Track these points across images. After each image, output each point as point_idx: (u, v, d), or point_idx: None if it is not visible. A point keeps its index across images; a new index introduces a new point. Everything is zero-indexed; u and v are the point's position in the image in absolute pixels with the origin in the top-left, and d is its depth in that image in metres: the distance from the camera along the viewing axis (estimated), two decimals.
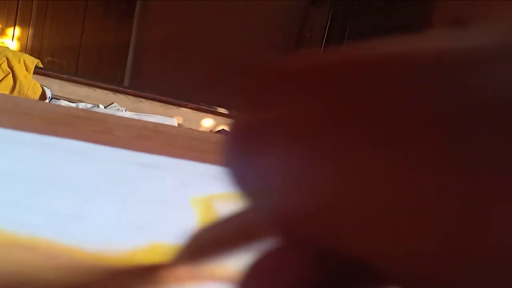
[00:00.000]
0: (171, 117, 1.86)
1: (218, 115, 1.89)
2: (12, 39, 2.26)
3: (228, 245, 0.14)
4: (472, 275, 0.07)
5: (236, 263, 0.15)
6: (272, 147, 0.08)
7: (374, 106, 0.07)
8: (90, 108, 1.77)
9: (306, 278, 0.09)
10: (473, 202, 0.06)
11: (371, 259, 0.07)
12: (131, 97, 1.93)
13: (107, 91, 1.93)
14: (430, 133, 0.06)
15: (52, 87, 1.90)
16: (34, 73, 1.90)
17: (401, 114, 0.07)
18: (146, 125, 0.36)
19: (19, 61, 1.86)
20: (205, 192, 0.24)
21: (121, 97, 1.93)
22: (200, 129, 1.85)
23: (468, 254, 0.06)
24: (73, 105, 1.79)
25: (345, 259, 0.08)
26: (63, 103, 1.79)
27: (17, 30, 2.26)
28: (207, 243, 0.15)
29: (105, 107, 1.85)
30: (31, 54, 2.03)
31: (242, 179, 0.09)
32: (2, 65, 1.82)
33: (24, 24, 2.26)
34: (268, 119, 0.08)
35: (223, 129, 1.81)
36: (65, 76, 1.94)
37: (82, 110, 0.38)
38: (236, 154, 0.09)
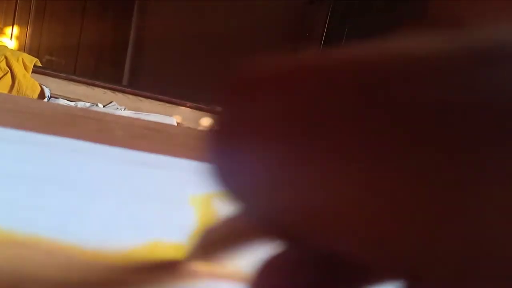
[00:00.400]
0: (170, 116, 1.86)
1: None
2: (11, 38, 2.26)
3: (240, 241, 0.14)
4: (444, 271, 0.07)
5: (249, 262, 0.15)
6: (248, 147, 0.08)
7: (339, 111, 0.07)
8: (89, 107, 1.77)
9: (307, 277, 0.09)
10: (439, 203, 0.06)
11: (354, 255, 0.08)
12: (130, 96, 1.93)
13: (105, 90, 1.93)
14: (392, 135, 0.07)
15: (51, 86, 1.90)
16: (32, 72, 1.90)
17: (364, 118, 0.07)
18: (145, 124, 0.36)
19: (17, 60, 1.86)
20: (204, 191, 0.24)
21: (120, 96, 1.93)
22: (199, 128, 1.85)
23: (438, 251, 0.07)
24: (72, 104, 1.79)
25: (337, 258, 0.08)
26: (62, 102, 1.78)
27: (16, 29, 2.26)
28: (219, 239, 0.15)
29: (104, 106, 1.85)
30: (29, 53, 2.03)
31: (224, 179, 0.09)
32: (1, 64, 1.82)
33: (22, 23, 2.26)
34: (245, 119, 0.08)
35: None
36: (64, 75, 1.94)
37: (81, 109, 0.38)
38: (216, 153, 0.09)
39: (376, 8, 2.03)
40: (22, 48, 2.24)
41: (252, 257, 0.13)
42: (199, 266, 0.17)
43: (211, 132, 0.09)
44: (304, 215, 0.08)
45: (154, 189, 0.24)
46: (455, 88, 0.06)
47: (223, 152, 0.09)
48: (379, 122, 0.07)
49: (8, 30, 2.25)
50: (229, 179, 0.09)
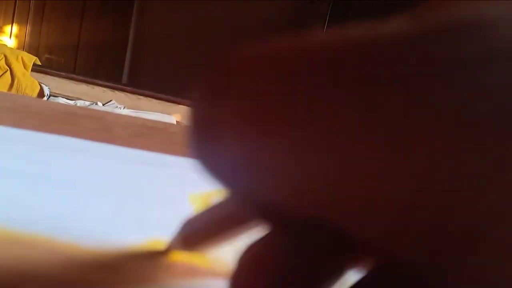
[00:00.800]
0: (169, 115, 1.86)
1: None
2: (10, 37, 2.26)
3: (220, 232, 0.15)
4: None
5: (231, 255, 0.16)
6: (233, 135, 0.08)
7: (318, 96, 0.07)
8: (88, 105, 1.77)
9: (289, 264, 0.09)
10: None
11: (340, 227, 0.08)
12: (129, 95, 1.93)
13: (105, 89, 1.93)
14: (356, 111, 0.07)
15: (50, 84, 1.90)
16: (32, 70, 1.90)
17: (344, 99, 0.07)
18: (145, 123, 0.36)
19: (17, 58, 1.86)
20: (204, 189, 0.24)
21: (120, 94, 1.93)
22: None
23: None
24: (71, 102, 1.79)
25: (323, 243, 0.09)
26: (61, 100, 1.78)
27: (15, 28, 2.26)
28: (199, 230, 0.16)
29: (103, 105, 1.85)
30: (29, 52, 2.03)
31: (212, 168, 0.09)
32: (0, 63, 1.82)
33: (22, 21, 2.26)
34: (227, 107, 0.08)
35: None
36: (63, 73, 1.94)
37: (81, 107, 0.38)
38: (201, 144, 0.09)
39: (376, 8, 2.03)
40: (21, 46, 2.24)
41: (234, 251, 0.13)
42: (181, 257, 0.17)
43: (195, 124, 0.09)
44: (298, 194, 0.08)
45: (153, 188, 0.24)
46: (419, 65, 0.07)
47: (209, 142, 0.09)
48: (357, 102, 0.07)
49: (7, 28, 2.25)
50: (218, 167, 0.09)
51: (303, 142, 0.07)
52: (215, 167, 0.09)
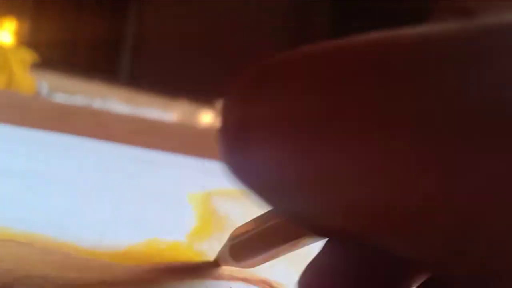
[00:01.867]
0: (167, 112, 1.86)
1: (216, 110, 1.89)
2: (7, 33, 2.25)
3: (271, 247, 0.14)
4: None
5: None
6: (265, 139, 0.08)
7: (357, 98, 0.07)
8: (87, 103, 1.77)
9: (350, 275, 0.09)
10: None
11: (390, 246, 0.07)
12: (127, 92, 1.93)
13: (103, 86, 1.92)
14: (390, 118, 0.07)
15: (48, 81, 1.90)
16: (29, 67, 1.89)
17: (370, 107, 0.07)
18: (143, 120, 0.36)
19: (14, 55, 1.85)
20: (203, 188, 0.24)
21: (118, 91, 1.92)
22: (198, 123, 1.85)
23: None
24: (69, 99, 1.78)
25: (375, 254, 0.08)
26: (59, 97, 1.78)
27: (13, 24, 2.25)
28: (251, 245, 0.15)
29: (101, 102, 1.85)
30: (26, 49, 2.02)
31: (241, 175, 0.09)
32: None
33: (20, 18, 2.25)
34: (259, 110, 0.08)
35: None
36: (61, 70, 1.94)
37: (79, 105, 0.38)
38: (232, 147, 0.09)
39: (380, 5, 2.03)
40: (19, 43, 2.24)
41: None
42: (229, 271, 0.17)
43: (226, 125, 0.08)
44: (333, 212, 0.07)
45: (151, 186, 0.24)
46: (473, 70, 0.06)
47: (239, 146, 0.08)
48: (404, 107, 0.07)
49: (5, 25, 2.25)
50: (248, 173, 0.09)
51: (338, 155, 0.07)
52: (244, 173, 0.09)
